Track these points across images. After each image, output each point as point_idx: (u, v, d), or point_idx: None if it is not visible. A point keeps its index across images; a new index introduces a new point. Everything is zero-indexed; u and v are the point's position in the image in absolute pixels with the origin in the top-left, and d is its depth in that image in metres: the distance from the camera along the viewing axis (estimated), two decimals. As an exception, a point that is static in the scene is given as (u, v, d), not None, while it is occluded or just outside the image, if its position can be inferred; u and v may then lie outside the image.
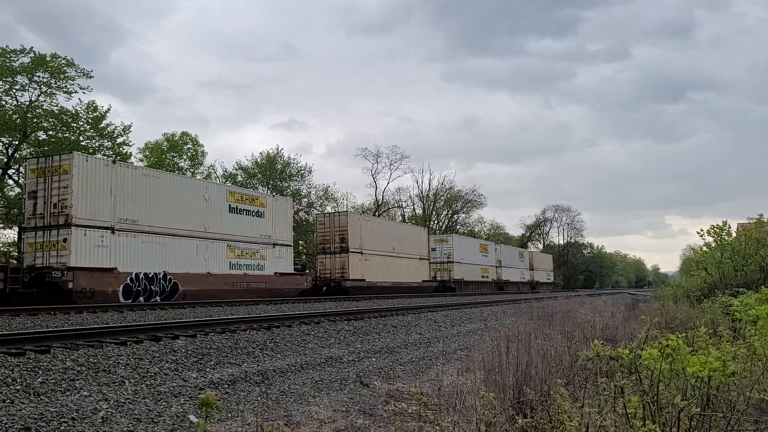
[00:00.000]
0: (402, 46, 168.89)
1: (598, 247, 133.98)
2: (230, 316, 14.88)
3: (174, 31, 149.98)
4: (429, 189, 79.61)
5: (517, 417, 4.53)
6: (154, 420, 6.17)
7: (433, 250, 51.83)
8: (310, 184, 61.77)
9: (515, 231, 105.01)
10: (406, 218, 75.49)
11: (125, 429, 5.84)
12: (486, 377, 6.89)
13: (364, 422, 6.61)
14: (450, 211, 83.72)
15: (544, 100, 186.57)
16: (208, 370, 8.57)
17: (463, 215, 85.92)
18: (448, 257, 52.25)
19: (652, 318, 5.21)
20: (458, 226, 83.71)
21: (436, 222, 79.95)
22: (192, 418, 6.30)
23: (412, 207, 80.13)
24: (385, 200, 74.99)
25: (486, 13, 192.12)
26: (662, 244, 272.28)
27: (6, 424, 5.45)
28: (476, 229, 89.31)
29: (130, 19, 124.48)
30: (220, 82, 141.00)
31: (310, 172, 61.01)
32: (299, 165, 60.61)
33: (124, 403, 6.55)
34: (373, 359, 10.96)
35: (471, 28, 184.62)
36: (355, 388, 8.46)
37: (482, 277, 58.53)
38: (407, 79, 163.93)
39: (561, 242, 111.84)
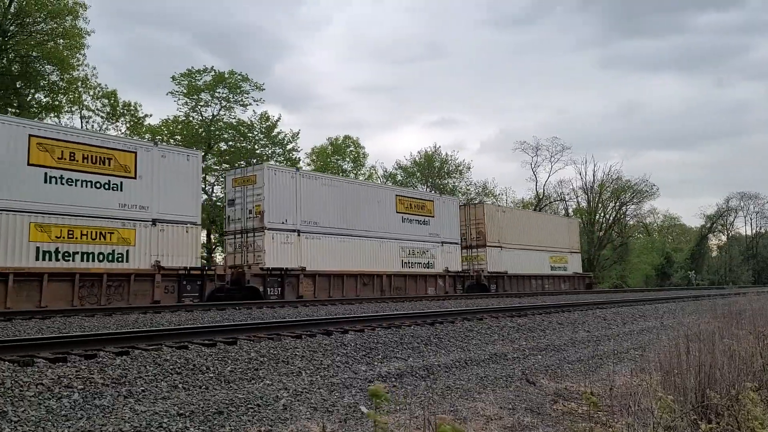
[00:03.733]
0: (550, 36, 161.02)
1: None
2: (395, 312, 15.34)
3: (328, 42, 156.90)
4: (593, 180, 75.89)
5: (699, 422, 4.21)
6: (329, 409, 6.55)
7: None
8: (469, 181, 61.84)
9: (693, 222, 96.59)
10: (570, 212, 72.60)
11: (304, 417, 6.26)
12: (663, 378, 6.46)
13: (532, 420, 6.50)
14: (618, 203, 79.13)
15: (716, 79, 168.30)
16: (375, 363, 8.91)
17: (633, 207, 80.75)
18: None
19: None
20: (628, 219, 78.82)
21: (602, 215, 75.96)
22: (363, 408, 6.60)
23: (576, 200, 76.90)
24: (546, 194, 72.81)
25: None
26: None
27: (203, 407, 6.09)
28: (647, 221, 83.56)
29: (290, 34, 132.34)
30: (372, 86, 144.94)
31: (468, 168, 61.14)
32: (457, 162, 60.90)
33: (302, 392, 7.02)
34: (539, 357, 10.71)
35: (622, 10, 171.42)
36: (520, 386, 8.33)
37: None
38: (558, 69, 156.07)
39: (749, 233, 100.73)
